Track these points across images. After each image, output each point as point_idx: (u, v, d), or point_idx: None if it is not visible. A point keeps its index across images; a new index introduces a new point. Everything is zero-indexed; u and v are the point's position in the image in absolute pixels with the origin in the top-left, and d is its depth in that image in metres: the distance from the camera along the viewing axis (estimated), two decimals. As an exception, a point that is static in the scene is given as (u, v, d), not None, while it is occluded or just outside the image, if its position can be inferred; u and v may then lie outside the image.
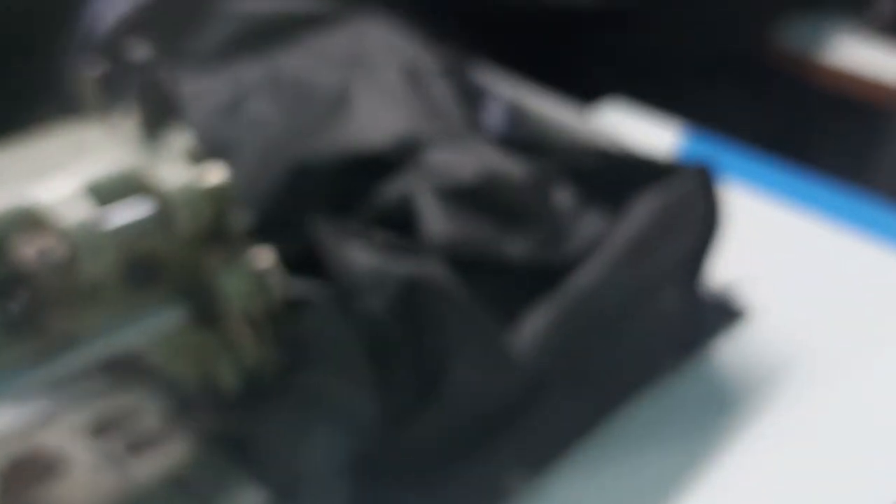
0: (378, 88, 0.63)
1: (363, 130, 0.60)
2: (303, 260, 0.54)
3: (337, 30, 0.69)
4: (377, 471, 0.50)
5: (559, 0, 1.06)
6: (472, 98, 0.69)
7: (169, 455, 0.57)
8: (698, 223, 0.61)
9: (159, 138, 0.47)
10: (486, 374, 0.51)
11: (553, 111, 0.71)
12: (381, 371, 0.49)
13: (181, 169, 0.44)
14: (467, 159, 0.59)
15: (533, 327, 0.52)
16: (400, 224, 0.55)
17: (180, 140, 0.47)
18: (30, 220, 0.42)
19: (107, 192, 0.44)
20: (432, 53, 0.69)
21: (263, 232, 0.57)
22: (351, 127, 0.60)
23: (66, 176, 0.43)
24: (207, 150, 0.46)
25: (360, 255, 0.49)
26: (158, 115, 0.47)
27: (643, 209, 0.57)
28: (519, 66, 0.83)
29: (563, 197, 0.61)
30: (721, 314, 0.67)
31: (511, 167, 0.60)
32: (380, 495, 0.51)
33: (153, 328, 0.46)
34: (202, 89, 0.61)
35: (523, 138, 0.66)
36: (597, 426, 0.58)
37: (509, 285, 0.54)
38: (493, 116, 0.68)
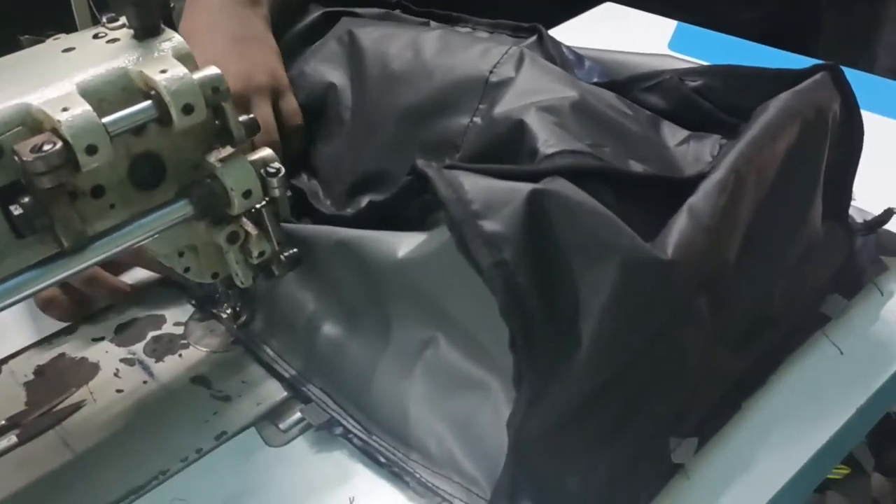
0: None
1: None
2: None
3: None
4: (528, 451, 0.45)
5: None
6: (563, 62, 0.66)
7: (191, 357, 0.59)
8: (835, 130, 0.55)
9: (150, 43, 0.47)
10: (633, 285, 0.43)
11: (629, 56, 0.67)
12: (515, 309, 0.42)
13: (172, 66, 0.45)
14: (559, 83, 0.55)
15: (678, 233, 0.45)
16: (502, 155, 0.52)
17: (170, 43, 0.47)
18: (28, 124, 0.42)
19: (100, 93, 0.44)
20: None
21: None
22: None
23: (62, 82, 0.44)
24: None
25: (478, 182, 0.45)
26: (149, 21, 0.47)
27: (772, 110, 0.51)
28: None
29: (671, 130, 0.56)
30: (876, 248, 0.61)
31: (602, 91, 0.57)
32: (537, 477, 0.45)
33: (160, 226, 0.47)
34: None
35: (626, 81, 0.61)
36: (761, 385, 0.53)
37: (633, 203, 0.47)
38: (587, 73, 0.65)
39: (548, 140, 0.49)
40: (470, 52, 0.60)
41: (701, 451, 0.49)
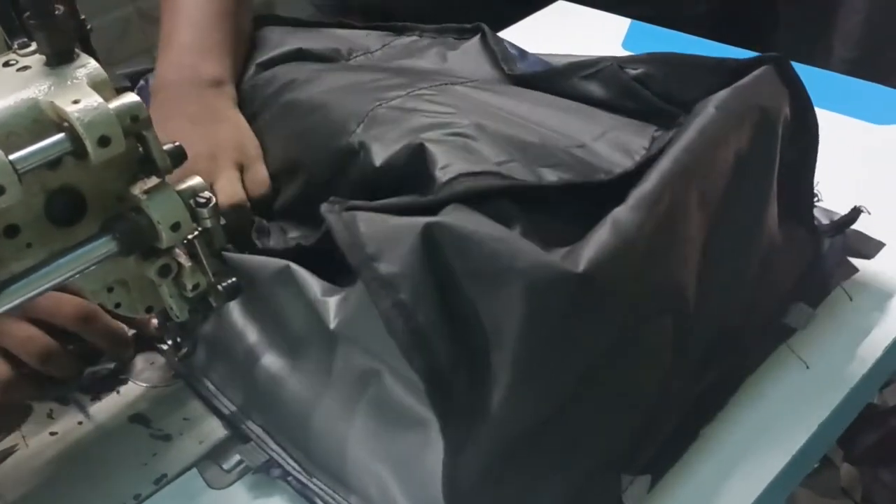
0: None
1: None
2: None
3: None
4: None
5: None
6: (505, 56, 0.66)
7: (129, 393, 0.56)
8: (787, 127, 0.52)
9: (63, 70, 0.44)
10: (545, 306, 0.40)
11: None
12: (422, 351, 0.40)
13: (86, 95, 0.42)
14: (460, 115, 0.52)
15: (596, 246, 0.41)
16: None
17: (85, 70, 0.44)
18: (-70, 164, 0.39)
19: (8, 127, 0.41)
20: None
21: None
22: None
23: (-32, 114, 0.41)
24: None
25: (374, 222, 0.43)
26: (62, 46, 0.44)
27: (711, 110, 0.48)
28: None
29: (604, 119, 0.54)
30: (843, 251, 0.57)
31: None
32: None
33: (83, 264, 0.44)
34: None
35: (564, 68, 0.60)
36: (720, 410, 0.50)
37: (550, 215, 0.45)
38: (530, 66, 0.65)
39: (446, 165, 0.47)
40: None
41: (657, 488, 0.46)
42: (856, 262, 0.58)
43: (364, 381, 0.48)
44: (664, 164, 0.45)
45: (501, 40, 0.69)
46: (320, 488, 0.48)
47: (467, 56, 0.69)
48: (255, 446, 0.51)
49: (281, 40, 0.72)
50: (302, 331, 0.51)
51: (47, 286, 0.44)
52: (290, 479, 0.49)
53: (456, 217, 0.42)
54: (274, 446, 0.51)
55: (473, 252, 0.41)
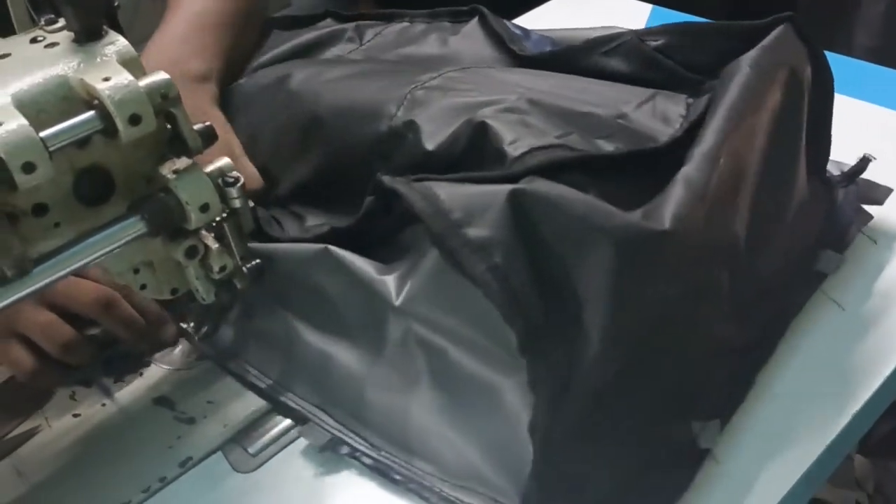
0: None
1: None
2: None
3: None
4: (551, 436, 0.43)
5: None
6: (511, 37, 0.65)
7: (152, 376, 0.56)
8: (807, 80, 0.53)
9: (92, 48, 0.44)
10: (634, 263, 0.42)
11: (579, 32, 0.65)
12: (511, 308, 0.41)
13: (116, 73, 0.41)
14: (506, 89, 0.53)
15: (675, 204, 0.43)
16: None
17: (114, 47, 0.44)
18: (-40, 140, 0.39)
19: (38, 104, 0.41)
20: None
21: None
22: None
23: (-5, 91, 0.40)
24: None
25: (453, 190, 0.44)
26: (90, 22, 0.44)
27: (746, 69, 0.50)
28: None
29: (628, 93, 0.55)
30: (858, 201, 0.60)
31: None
32: (567, 477, 0.44)
33: (111, 244, 0.44)
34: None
35: (583, 46, 0.60)
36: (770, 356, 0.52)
37: (611, 183, 0.46)
38: (537, 44, 0.64)
39: (514, 140, 0.47)
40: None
41: (724, 433, 0.48)
42: (869, 209, 0.61)
43: (427, 352, 0.48)
44: (717, 121, 0.47)
45: (502, 20, 0.69)
46: (393, 460, 0.48)
47: (469, 39, 0.68)
48: (315, 426, 0.50)
49: (279, 42, 0.71)
50: (350, 309, 0.51)
51: (76, 266, 0.43)
52: (357, 454, 0.49)
53: (539, 185, 0.43)
54: (334, 423, 0.50)
55: (561, 215, 0.42)
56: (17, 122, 0.38)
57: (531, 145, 0.47)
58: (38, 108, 0.41)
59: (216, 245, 0.48)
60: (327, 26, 0.72)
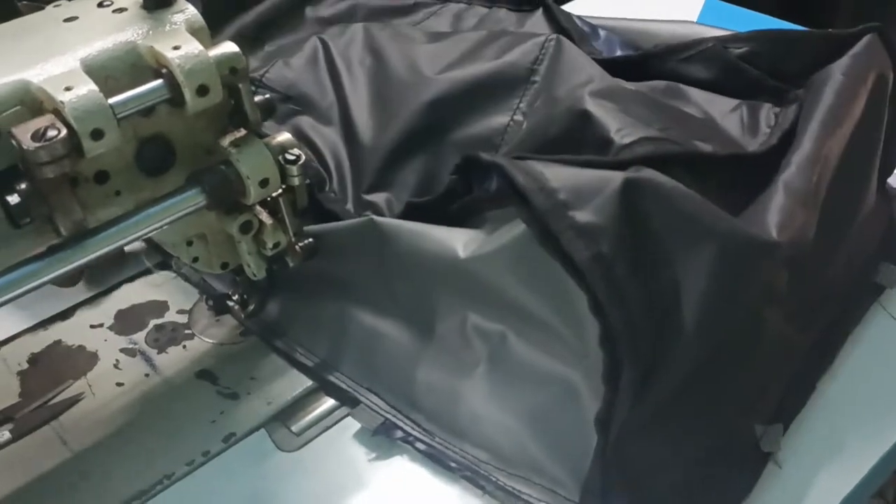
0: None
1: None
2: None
3: None
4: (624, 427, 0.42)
5: None
6: (581, 36, 0.64)
7: (195, 349, 0.55)
8: (889, 93, 0.53)
9: (161, 15, 0.43)
10: (735, 267, 0.42)
11: (647, 24, 0.64)
12: (610, 293, 0.40)
13: (186, 42, 0.40)
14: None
15: (779, 212, 0.44)
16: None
17: (183, 16, 0.43)
18: (27, 103, 0.38)
19: (107, 70, 0.40)
20: None
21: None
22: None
23: (64, 56, 0.40)
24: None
25: (561, 171, 0.42)
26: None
27: (839, 77, 0.50)
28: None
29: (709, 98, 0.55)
30: None
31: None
32: (631, 472, 0.43)
33: (170, 215, 0.43)
34: None
35: (661, 51, 0.59)
36: (831, 363, 0.52)
37: (706, 183, 0.44)
38: (607, 45, 0.63)
39: (622, 129, 0.47)
40: (499, 47, 0.57)
41: (786, 437, 0.47)
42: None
43: (485, 339, 0.47)
44: (813, 128, 0.46)
45: (569, 15, 0.67)
46: (447, 446, 0.47)
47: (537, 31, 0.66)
48: (366, 409, 0.50)
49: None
50: (401, 295, 0.51)
51: (135, 236, 0.43)
52: (411, 439, 0.48)
53: (651, 175, 0.41)
54: (387, 407, 0.50)
55: (674, 210, 0.41)
56: (88, 88, 0.38)
57: (640, 135, 0.46)
58: (106, 73, 0.40)
59: (271, 221, 0.48)
60: None
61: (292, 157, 0.46)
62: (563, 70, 0.54)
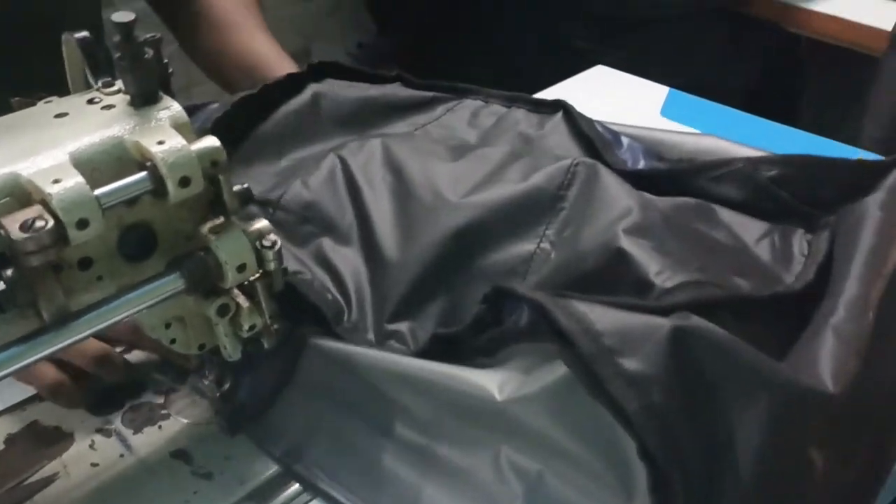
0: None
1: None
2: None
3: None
4: None
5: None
6: (603, 143, 0.63)
7: (171, 429, 0.56)
8: None
9: (147, 111, 0.45)
10: (792, 420, 0.41)
11: (667, 135, 0.65)
12: (660, 446, 0.39)
13: (170, 137, 0.43)
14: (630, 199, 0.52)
15: (833, 361, 0.42)
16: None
17: (168, 112, 0.46)
18: (16, 195, 0.40)
19: (94, 163, 0.43)
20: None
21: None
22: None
23: (54, 150, 0.42)
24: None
25: (605, 314, 0.41)
26: (149, 88, 0.46)
27: (875, 212, 0.49)
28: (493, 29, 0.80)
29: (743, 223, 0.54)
30: None
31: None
32: None
33: (150, 299, 0.45)
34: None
35: (690, 168, 0.59)
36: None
37: (746, 323, 0.44)
38: (631, 154, 0.62)
39: (661, 272, 0.47)
40: (522, 169, 0.57)
41: None
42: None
43: (521, 477, 0.45)
44: (859, 269, 0.46)
45: (591, 120, 0.66)
46: None
47: (555, 136, 0.65)
48: None
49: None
50: (430, 422, 0.49)
51: (115, 319, 0.44)
52: None
53: (700, 323, 0.40)
54: None
55: (729, 360, 0.40)
56: (75, 180, 0.40)
57: (681, 279, 0.46)
58: (92, 166, 0.42)
59: (247, 304, 0.50)
60: (393, 90, 0.70)
61: (269, 244, 0.48)
62: (596, 199, 0.53)
